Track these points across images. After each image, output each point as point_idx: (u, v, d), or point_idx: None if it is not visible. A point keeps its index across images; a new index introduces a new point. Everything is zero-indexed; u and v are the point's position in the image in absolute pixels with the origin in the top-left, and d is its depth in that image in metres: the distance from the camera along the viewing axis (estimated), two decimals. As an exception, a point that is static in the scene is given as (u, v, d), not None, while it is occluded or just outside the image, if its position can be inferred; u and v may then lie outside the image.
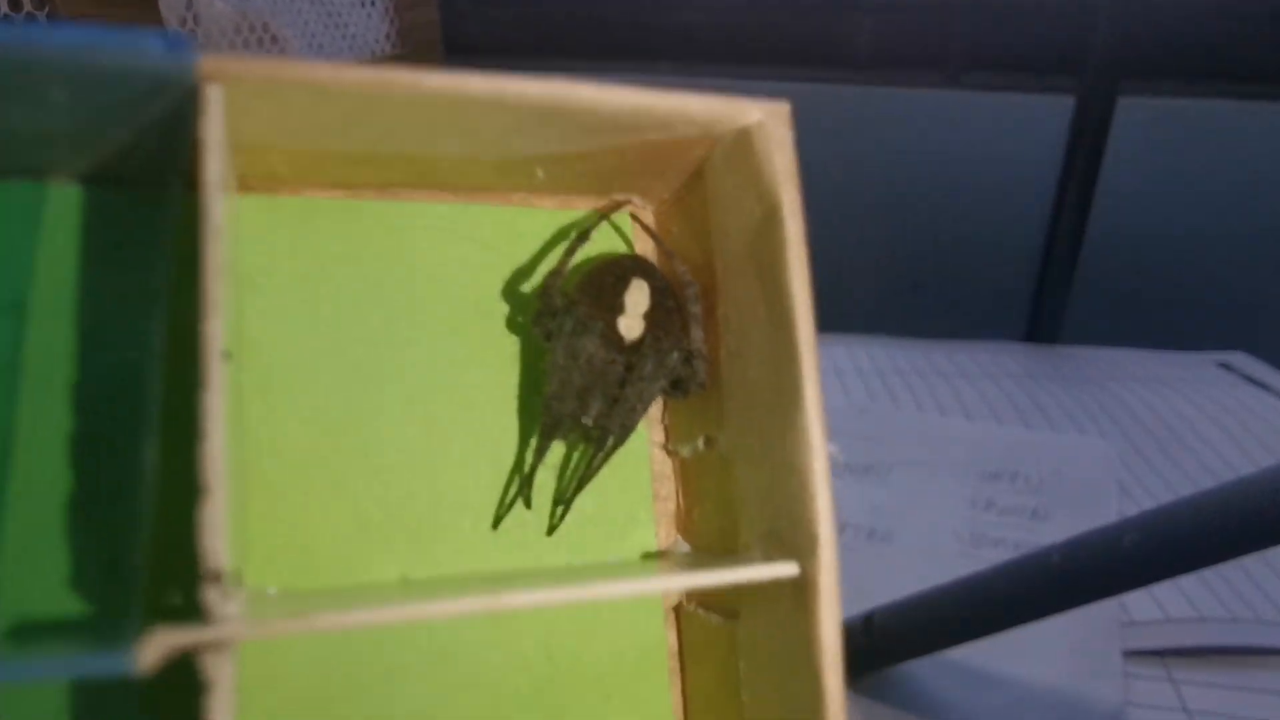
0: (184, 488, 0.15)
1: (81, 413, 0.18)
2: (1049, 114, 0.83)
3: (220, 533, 0.14)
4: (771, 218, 0.19)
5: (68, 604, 0.18)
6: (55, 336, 0.18)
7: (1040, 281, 0.86)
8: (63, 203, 0.19)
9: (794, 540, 0.19)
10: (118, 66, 0.15)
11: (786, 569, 0.19)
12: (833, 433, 0.19)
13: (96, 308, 0.18)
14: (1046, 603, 0.49)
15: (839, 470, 0.20)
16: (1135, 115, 0.81)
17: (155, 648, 0.13)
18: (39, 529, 0.18)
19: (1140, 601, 0.54)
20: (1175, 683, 0.51)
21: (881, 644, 0.48)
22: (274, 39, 0.62)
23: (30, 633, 0.17)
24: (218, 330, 0.14)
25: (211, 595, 0.14)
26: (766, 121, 0.19)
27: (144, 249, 0.19)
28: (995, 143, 0.88)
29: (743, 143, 0.20)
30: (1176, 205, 0.87)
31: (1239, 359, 0.79)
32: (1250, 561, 0.55)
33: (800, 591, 0.19)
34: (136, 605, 0.15)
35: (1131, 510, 0.54)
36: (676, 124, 0.19)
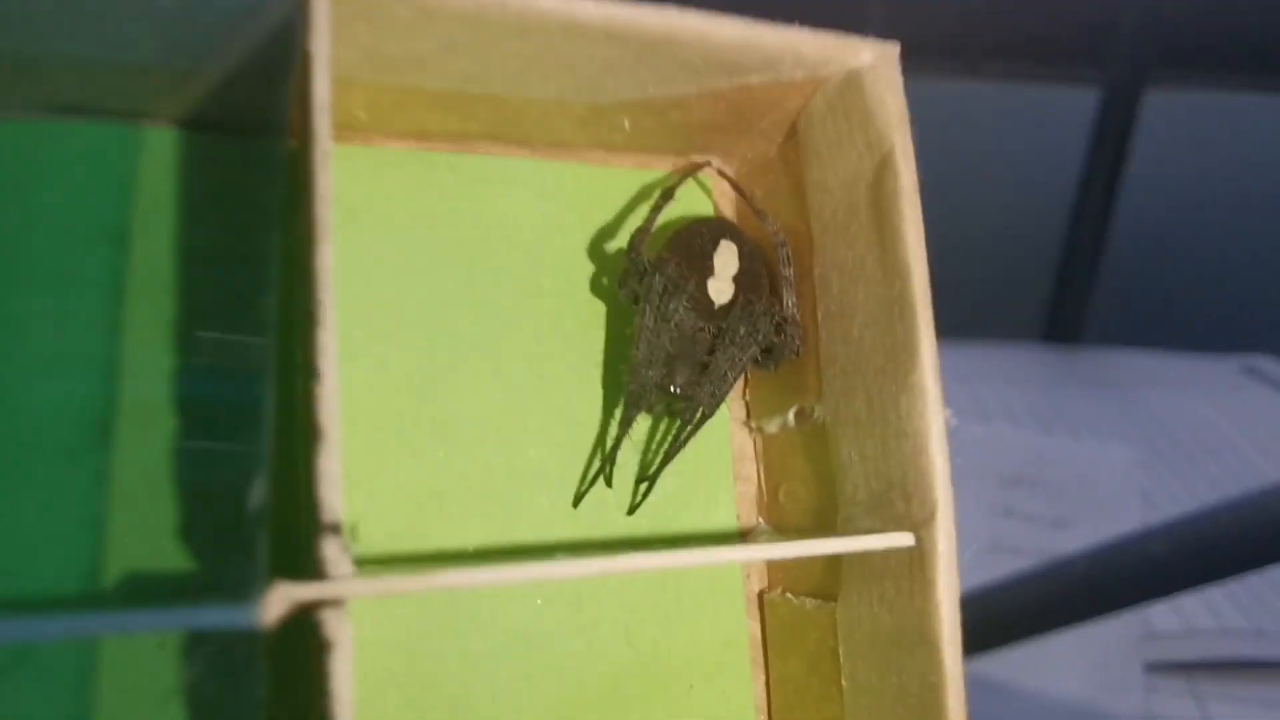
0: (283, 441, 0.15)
1: (192, 350, 0.17)
2: (1072, 106, 0.82)
3: (336, 483, 0.13)
4: (885, 166, 0.18)
5: (182, 557, 0.17)
6: (158, 277, 0.17)
7: (1060, 281, 0.84)
8: (160, 146, 0.18)
9: (907, 509, 0.18)
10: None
11: (901, 539, 0.18)
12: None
13: (202, 247, 0.17)
14: (1069, 613, 0.49)
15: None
16: (1162, 108, 0.80)
17: (279, 601, 0.12)
18: (146, 474, 0.17)
19: (1161, 612, 0.53)
20: (1199, 697, 0.50)
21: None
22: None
23: (145, 585, 0.16)
24: (328, 258, 0.13)
25: (330, 550, 0.13)
26: (877, 63, 0.18)
27: (247, 192, 0.18)
28: (1015, 135, 0.87)
29: (851, 86, 0.19)
30: (1203, 203, 0.86)
31: (1265, 362, 0.78)
32: (1276, 571, 0.55)
33: (915, 564, 0.18)
34: (261, 557, 0.14)
35: (1155, 519, 0.53)
36: (783, 63, 0.18)
